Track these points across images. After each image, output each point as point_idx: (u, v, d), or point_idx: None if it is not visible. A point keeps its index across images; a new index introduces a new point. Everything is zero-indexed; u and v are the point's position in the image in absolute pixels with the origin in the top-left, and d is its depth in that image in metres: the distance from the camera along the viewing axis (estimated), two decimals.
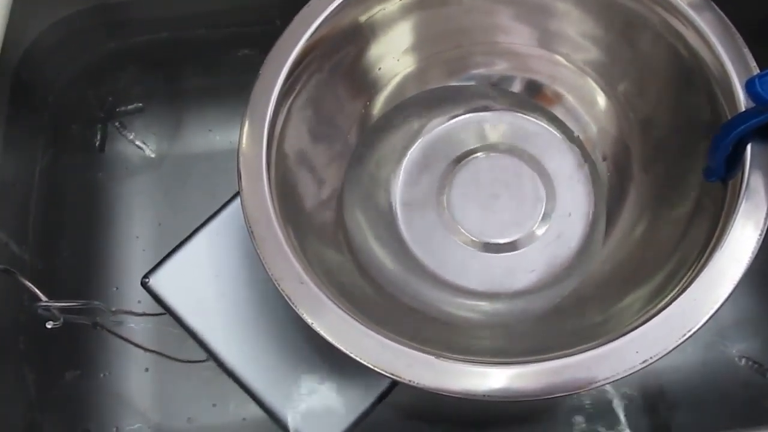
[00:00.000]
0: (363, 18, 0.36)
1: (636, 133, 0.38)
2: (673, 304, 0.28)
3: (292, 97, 0.34)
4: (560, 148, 0.41)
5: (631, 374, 0.27)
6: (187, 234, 0.38)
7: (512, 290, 0.38)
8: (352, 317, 0.29)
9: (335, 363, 0.36)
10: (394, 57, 0.39)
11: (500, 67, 0.41)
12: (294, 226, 0.32)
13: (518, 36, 0.39)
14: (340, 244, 0.37)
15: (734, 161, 0.30)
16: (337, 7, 0.34)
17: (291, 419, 0.35)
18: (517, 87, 0.41)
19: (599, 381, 0.27)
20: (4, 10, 0.42)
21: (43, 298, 0.35)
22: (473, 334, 0.36)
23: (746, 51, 0.31)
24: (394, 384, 0.35)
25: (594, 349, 0.28)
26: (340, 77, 0.37)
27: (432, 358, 0.28)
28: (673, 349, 0.27)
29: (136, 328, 0.47)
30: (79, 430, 0.47)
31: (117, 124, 0.54)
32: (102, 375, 0.48)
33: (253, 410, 0.37)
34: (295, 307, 0.29)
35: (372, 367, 0.28)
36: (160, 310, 0.38)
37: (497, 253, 0.39)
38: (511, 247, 0.39)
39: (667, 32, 0.34)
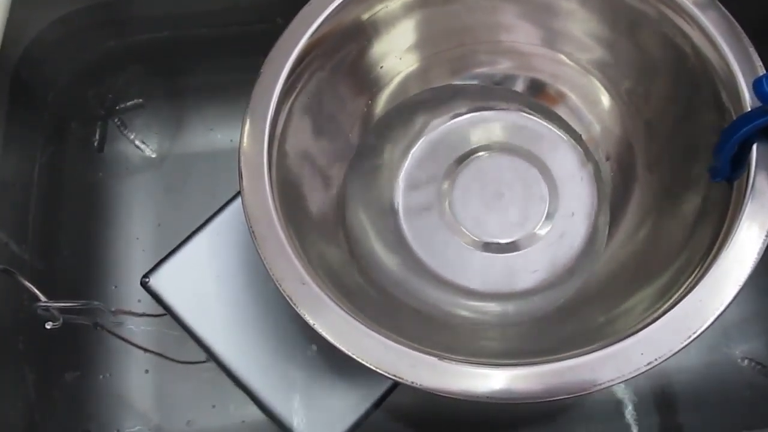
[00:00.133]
0: (365, 16, 0.36)
1: (640, 133, 0.38)
2: (679, 305, 0.28)
3: (293, 96, 0.34)
4: (563, 147, 0.41)
5: (635, 376, 0.27)
6: (188, 234, 0.38)
7: (515, 291, 0.38)
8: (353, 318, 0.29)
9: (336, 364, 0.36)
10: (396, 55, 0.39)
11: (503, 66, 0.41)
12: (295, 225, 0.32)
13: (522, 35, 0.39)
14: (342, 243, 0.37)
15: (740, 161, 0.30)
16: (339, 5, 0.34)
17: (291, 420, 0.35)
18: (520, 86, 0.41)
19: (603, 383, 0.27)
20: (3, 8, 0.42)
21: (43, 298, 0.35)
22: (475, 335, 0.36)
23: (752, 50, 0.31)
24: (396, 385, 0.35)
25: (598, 351, 0.27)
26: (341, 76, 0.37)
27: (434, 359, 0.28)
28: (679, 350, 0.27)
29: (136, 329, 0.47)
30: (79, 431, 0.47)
31: (117, 123, 0.54)
32: (102, 376, 0.48)
33: (253, 412, 0.37)
34: (297, 307, 0.29)
35: (373, 368, 0.28)
36: (160, 310, 0.38)
37: (499, 254, 0.39)
38: (514, 247, 0.39)
39: (672, 31, 0.34)
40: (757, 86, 0.28)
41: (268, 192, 0.31)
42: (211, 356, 0.36)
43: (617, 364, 0.27)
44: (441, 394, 0.27)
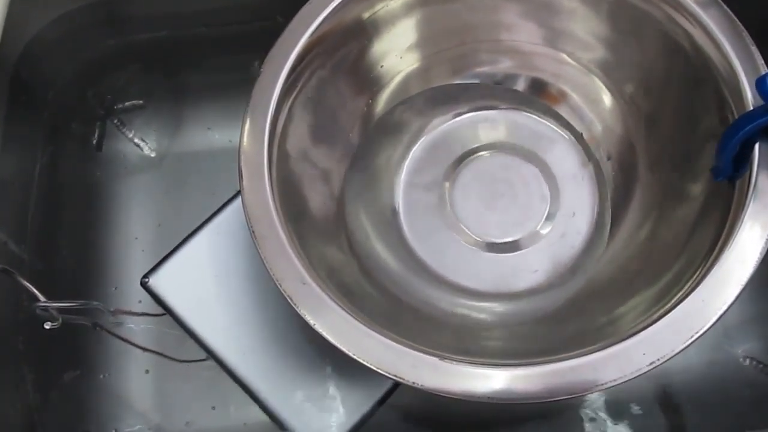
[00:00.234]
0: (366, 15, 0.36)
1: (642, 132, 0.38)
2: (681, 305, 0.28)
3: (293, 95, 0.34)
4: (564, 147, 0.40)
5: (637, 376, 0.27)
6: (187, 233, 0.38)
7: (516, 290, 0.38)
8: (354, 318, 0.29)
9: (337, 364, 0.36)
10: (397, 54, 0.39)
11: (505, 65, 0.40)
12: (296, 225, 0.32)
13: (523, 34, 0.39)
14: (342, 243, 0.37)
15: (742, 161, 0.30)
16: (339, 3, 0.34)
17: (292, 421, 0.35)
18: (521, 85, 0.41)
19: (605, 383, 0.27)
20: (3, 7, 0.41)
21: (42, 298, 0.35)
22: (476, 335, 0.36)
23: (754, 49, 0.31)
24: (397, 386, 0.35)
25: (600, 351, 0.27)
26: (342, 75, 0.37)
27: (435, 359, 0.28)
28: (681, 350, 0.27)
29: (136, 329, 0.47)
30: (78, 431, 0.47)
31: (116, 122, 0.54)
32: (101, 376, 0.48)
33: (253, 414, 0.37)
34: (297, 307, 0.29)
35: (374, 368, 0.28)
36: (160, 310, 0.38)
37: (500, 253, 0.39)
38: (515, 246, 0.39)
39: (673, 30, 0.34)
40: (759, 85, 0.28)
41: (268, 191, 0.31)
42: (212, 356, 0.36)
43: (619, 365, 0.27)
44: (442, 394, 0.27)
